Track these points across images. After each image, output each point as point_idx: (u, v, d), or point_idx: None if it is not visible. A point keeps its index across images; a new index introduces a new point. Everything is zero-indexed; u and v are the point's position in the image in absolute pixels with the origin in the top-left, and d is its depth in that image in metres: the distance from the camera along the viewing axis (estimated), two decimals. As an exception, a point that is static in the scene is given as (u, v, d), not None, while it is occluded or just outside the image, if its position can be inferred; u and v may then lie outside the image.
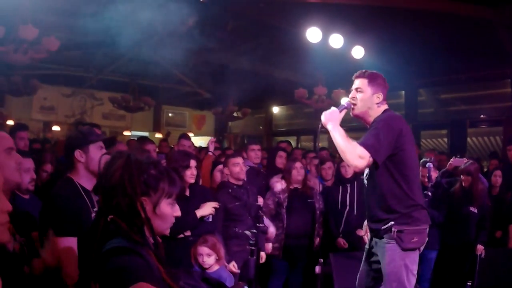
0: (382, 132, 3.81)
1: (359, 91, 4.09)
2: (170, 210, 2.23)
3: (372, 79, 4.07)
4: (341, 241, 6.68)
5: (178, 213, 2.29)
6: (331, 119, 3.98)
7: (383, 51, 10.06)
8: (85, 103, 18.94)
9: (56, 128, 17.42)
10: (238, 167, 5.88)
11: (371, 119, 4.10)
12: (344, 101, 4.25)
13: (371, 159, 3.74)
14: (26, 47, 8.61)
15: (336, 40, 9.47)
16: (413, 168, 3.98)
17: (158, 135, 17.64)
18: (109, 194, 2.11)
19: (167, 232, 2.31)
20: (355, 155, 3.75)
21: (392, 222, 3.85)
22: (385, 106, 4.12)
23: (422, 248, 3.99)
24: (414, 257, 3.91)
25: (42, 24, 8.75)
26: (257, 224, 3.68)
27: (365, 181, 4.20)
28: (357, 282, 4.35)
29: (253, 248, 3.52)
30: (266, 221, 6.23)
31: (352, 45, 9.84)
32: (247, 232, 3.62)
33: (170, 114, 21.44)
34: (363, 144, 3.76)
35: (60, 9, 9.72)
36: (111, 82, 16.70)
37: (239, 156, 6.14)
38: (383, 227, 3.91)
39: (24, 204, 4.24)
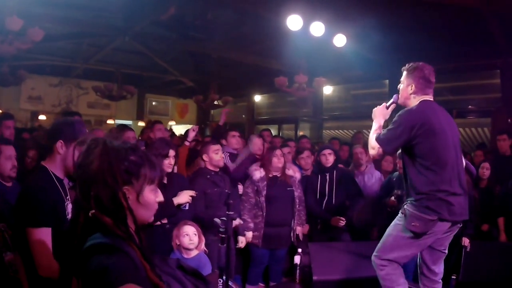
0: (395, 128, 4.23)
1: (401, 83, 4.55)
2: (153, 196, 2.12)
3: (410, 71, 4.45)
4: (338, 219, 6.61)
5: (161, 198, 2.17)
6: (377, 115, 4.64)
7: (366, 39, 9.96)
8: (71, 92, 19.11)
9: (42, 117, 17.51)
10: (218, 154, 5.96)
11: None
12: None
13: (380, 149, 4.34)
14: (12, 38, 8.60)
15: (318, 28, 9.32)
16: (432, 159, 4.15)
17: (141, 124, 17.74)
18: (87, 186, 1.95)
19: (152, 219, 2.19)
20: (370, 146, 4.44)
21: (408, 201, 4.28)
22: (422, 97, 4.38)
23: (429, 239, 4.20)
24: (412, 241, 4.19)
25: (28, 15, 8.70)
26: (227, 212, 3.61)
27: None
28: None
29: (223, 236, 3.45)
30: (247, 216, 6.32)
31: (334, 33, 9.71)
32: (217, 220, 3.55)
33: (153, 103, 21.72)
34: (378, 138, 4.33)
35: (46, 0, 9.70)
36: (97, 71, 16.91)
37: (219, 144, 6.21)
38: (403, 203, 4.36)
39: (7, 192, 4.22)
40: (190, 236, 4.78)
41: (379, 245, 4.38)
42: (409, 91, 4.40)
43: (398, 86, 4.57)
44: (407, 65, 4.51)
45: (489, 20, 9.71)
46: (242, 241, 6.28)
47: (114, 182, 1.93)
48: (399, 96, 4.55)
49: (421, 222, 4.06)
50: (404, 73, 4.49)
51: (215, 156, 5.93)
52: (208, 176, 5.89)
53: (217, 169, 6.01)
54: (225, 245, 3.47)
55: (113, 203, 1.94)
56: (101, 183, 1.93)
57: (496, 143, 8.85)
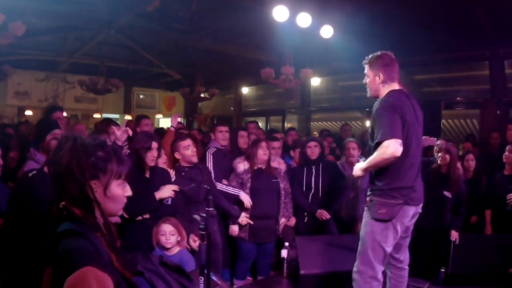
0: (383, 118, 4.08)
1: (366, 77, 4.51)
2: (121, 191, 2.20)
3: (372, 62, 4.46)
4: (322, 212, 6.61)
5: (129, 192, 2.24)
6: (356, 169, 4.45)
7: (354, 30, 9.89)
8: (58, 87, 18.98)
9: (28, 112, 17.37)
10: (190, 150, 5.77)
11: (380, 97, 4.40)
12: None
13: (394, 140, 3.94)
14: (-7, 33, 8.49)
15: (304, 19, 9.21)
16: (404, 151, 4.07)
17: (128, 117, 17.61)
18: (59, 179, 2.06)
19: (120, 212, 2.34)
20: (384, 151, 3.97)
21: (370, 192, 4.35)
22: (390, 86, 4.39)
23: (398, 226, 4.21)
24: (384, 229, 4.19)
25: (12, 9, 8.57)
26: (207, 208, 3.53)
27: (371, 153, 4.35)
28: None
29: (203, 232, 3.36)
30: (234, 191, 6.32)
31: (321, 24, 9.60)
32: (196, 216, 3.47)
33: (141, 96, 21.64)
34: (380, 139, 4.00)
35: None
36: (83, 65, 16.77)
37: (188, 138, 5.96)
38: (367, 194, 4.43)
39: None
40: (166, 235, 4.73)
41: (359, 257, 4.37)
42: (377, 81, 4.41)
43: (364, 81, 4.56)
44: (366, 58, 4.53)
45: (477, 10, 9.66)
46: (235, 230, 6.34)
47: (82, 176, 2.04)
48: (368, 91, 4.56)
49: (387, 208, 4.14)
50: (366, 66, 4.51)
51: (187, 151, 5.75)
52: (183, 173, 5.74)
53: (192, 165, 5.86)
54: (205, 242, 3.39)
55: (81, 196, 2.05)
56: (70, 177, 2.03)
57: (506, 132, 8.84)
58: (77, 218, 2.02)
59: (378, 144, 4.03)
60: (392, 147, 3.91)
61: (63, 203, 2.05)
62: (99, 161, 2.11)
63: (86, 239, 1.94)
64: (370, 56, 4.51)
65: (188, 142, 5.80)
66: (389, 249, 4.26)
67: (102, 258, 1.93)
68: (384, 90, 4.38)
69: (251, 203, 6.32)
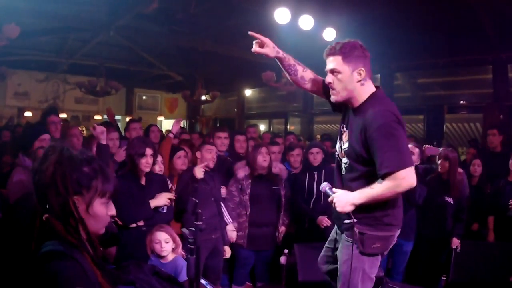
0: (392, 139, 3.22)
1: (336, 73, 3.44)
2: (104, 209, 2.13)
3: (347, 53, 3.38)
4: (323, 219, 6.44)
5: (113, 212, 2.18)
6: (346, 203, 3.36)
7: (357, 33, 9.74)
8: (58, 88, 18.91)
9: (28, 114, 17.30)
10: (211, 155, 5.95)
11: (356, 100, 3.49)
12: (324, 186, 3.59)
13: (411, 169, 3.21)
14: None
15: (306, 22, 9.12)
16: None
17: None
18: (43, 192, 2.00)
19: (102, 231, 2.19)
20: (399, 184, 3.22)
21: (355, 220, 3.32)
22: (369, 85, 3.46)
23: (385, 252, 3.65)
24: (374, 261, 3.56)
25: (11, 10, 8.51)
26: (195, 222, 3.43)
27: (343, 169, 3.64)
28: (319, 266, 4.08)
29: (192, 246, 3.27)
30: (228, 218, 6.30)
31: (323, 27, 9.49)
32: (185, 230, 3.35)
33: (143, 97, 21.61)
34: (386, 168, 3.19)
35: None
36: (83, 66, 16.67)
37: (213, 146, 6.22)
38: (345, 221, 3.38)
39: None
40: (161, 243, 4.62)
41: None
42: (356, 79, 3.39)
43: (329, 79, 3.50)
44: (331, 47, 3.47)
45: (481, 14, 9.61)
46: (227, 251, 6.22)
47: (65, 190, 1.97)
48: (336, 91, 3.50)
49: (383, 242, 3.47)
50: (337, 58, 3.41)
51: (207, 155, 5.93)
52: None
53: (207, 169, 5.93)
54: (194, 256, 3.29)
55: (64, 210, 1.97)
56: (53, 190, 1.96)
57: (487, 137, 8.74)
58: (60, 234, 1.95)
59: (387, 174, 3.21)
60: (409, 179, 3.19)
61: (46, 215, 1.98)
62: (83, 177, 2.03)
63: (72, 259, 1.89)
64: (337, 44, 3.45)
65: (212, 147, 6.14)
66: (374, 276, 3.62)
67: (89, 278, 1.90)
68: (363, 91, 3.44)
69: (233, 239, 6.31)
